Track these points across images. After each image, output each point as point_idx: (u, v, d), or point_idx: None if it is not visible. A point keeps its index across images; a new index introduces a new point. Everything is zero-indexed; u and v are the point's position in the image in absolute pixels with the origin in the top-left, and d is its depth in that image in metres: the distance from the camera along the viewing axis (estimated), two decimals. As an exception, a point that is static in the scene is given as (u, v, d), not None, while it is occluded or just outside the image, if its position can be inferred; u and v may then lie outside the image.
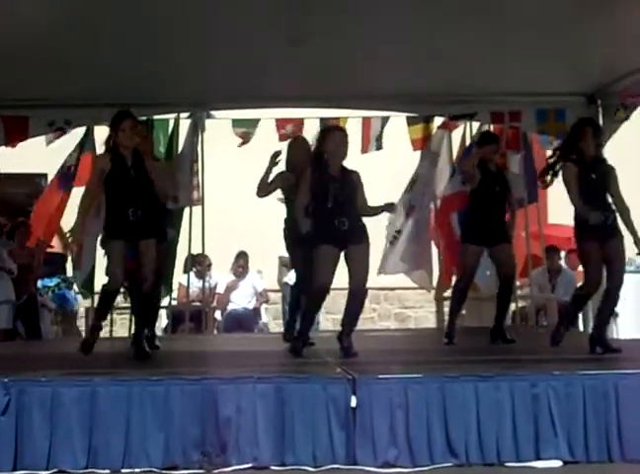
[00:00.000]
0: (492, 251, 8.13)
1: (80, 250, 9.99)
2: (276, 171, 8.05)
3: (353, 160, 11.43)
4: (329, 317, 11.97)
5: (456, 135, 11.03)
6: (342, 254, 6.91)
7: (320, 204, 6.85)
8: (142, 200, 6.90)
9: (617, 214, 6.98)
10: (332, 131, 7.15)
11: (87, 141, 10.26)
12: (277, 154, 8.00)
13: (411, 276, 10.94)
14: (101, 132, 10.18)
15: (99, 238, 8.09)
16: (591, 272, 6.97)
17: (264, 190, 8.01)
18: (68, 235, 8.47)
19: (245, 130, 10.63)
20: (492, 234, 7.97)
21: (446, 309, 11.47)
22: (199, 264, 11.55)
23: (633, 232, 6.94)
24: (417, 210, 10.57)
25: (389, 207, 7.15)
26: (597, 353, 6.93)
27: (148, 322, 7.31)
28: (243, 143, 10.67)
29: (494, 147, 8.22)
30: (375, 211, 7.07)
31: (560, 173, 7.02)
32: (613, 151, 10.21)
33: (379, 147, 10.74)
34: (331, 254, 6.84)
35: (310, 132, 10.04)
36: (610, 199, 7.02)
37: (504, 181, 8.16)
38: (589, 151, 6.95)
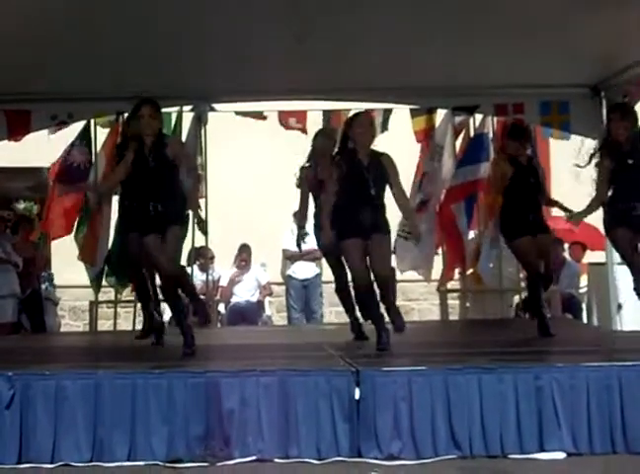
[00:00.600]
0: (536, 241, 7.90)
1: (94, 246, 9.95)
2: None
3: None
4: (332, 310, 11.96)
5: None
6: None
7: (349, 196, 6.83)
8: (162, 191, 6.69)
9: None
10: (357, 117, 7.11)
11: (85, 135, 10.23)
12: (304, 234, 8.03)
13: (417, 271, 10.95)
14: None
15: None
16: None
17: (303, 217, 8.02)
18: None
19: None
20: (534, 224, 7.82)
21: (450, 301, 11.52)
22: (202, 257, 11.55)
23: None
24: (428, 207, 10.55)
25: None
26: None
27: (180, 308, 7.06)
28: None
29: (521, 143, 8.06)
30: (406, 209, 7.13)
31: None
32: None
33: (384, 129, 10.69)
34: (359, 245, 6.83)
35: (313, 124, 10.10)
36: None
37: (536, 172, 8.01)
38: (617, 136, 6.94)
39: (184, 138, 10.57)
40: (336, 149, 7.25)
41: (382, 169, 6.86)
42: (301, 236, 7.94)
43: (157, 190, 6.70)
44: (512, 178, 7.86)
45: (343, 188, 6.86)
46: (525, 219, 7.75)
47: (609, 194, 7.09)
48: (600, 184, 7.21)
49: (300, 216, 8.00)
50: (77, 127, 10.19)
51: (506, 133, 8.43)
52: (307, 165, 7.98)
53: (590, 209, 7.30)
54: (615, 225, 6.99)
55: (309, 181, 7.89)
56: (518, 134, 8.12)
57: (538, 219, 7.86)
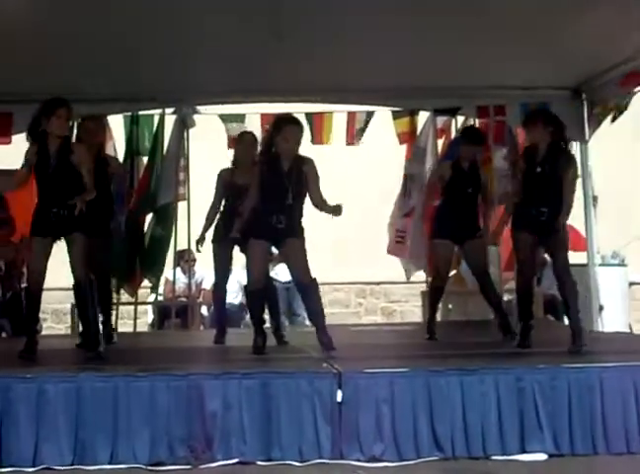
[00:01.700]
0: (462, 248, 8.16)
1: None
2: None
3: (338, 153, 11.55)
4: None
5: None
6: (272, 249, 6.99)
7: (266, 201, 6.73)
8: (66, 197, 6.49)
9: None
10: (286, 123, 6.83)
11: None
12: None
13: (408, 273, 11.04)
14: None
15: None
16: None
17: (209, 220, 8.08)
18: None
19: (235, 125, 10.59)
20: (462, 231, 7.97)
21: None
22: (184, 260, 11.53)
23: None
24: (415, 210, 10.59)
25: (336, 211, 6.62)
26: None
27: (85, 316, 6.89)
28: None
29: (477, 148, 8.20)
30: (325, 210, 6.69)
31: None
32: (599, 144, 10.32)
33: (362, 132, 10.73)
34: (263, 247, 6.81)
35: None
36: None
37: (477, 180, 8.10)
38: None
39: (166, 141, 10.57)
40: (258, 152, 7.19)
41: (302, 175, 6.69)
42: (201, 239, 8.03)
43: (60, 194, 6.53)
44: (449, 182, 8.03)
45: (262, 193, 6.75)
46: (453, 223, 7.93)
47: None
48: (513, 184, 7.54)
49: (207, 219, 8.06)
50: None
51: (463, 137, 8.49)
52: (225, 168, 8.09)
53: (508, 210, 7.39)
54: (520, 227, 7.04)
55: (225, 184, 7.98)
56: (475, 139, 8.24)
57: (469, 225, 7.98)
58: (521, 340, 7.05)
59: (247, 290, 7.05)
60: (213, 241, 8.10)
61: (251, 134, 8.41)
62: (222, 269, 8.23)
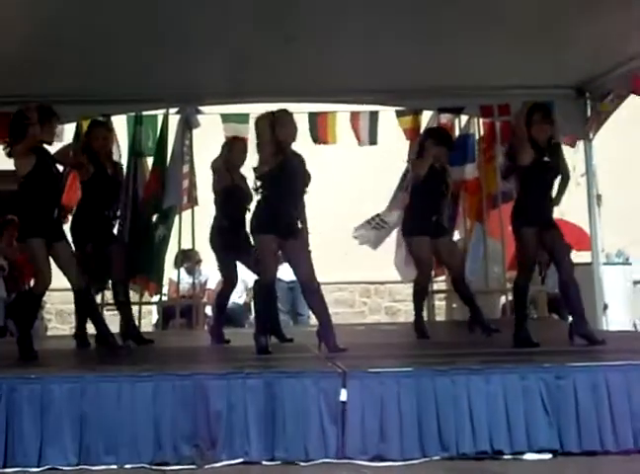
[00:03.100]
0: (437, 244, 8.31)
1: None
2: None
3: (343, 152, 11.55)
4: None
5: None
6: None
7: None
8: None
9: None
10: (284, 115, 6.96)
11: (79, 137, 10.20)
12: None
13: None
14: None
15: None
16: None
17: None
18: None
19: (236, 126, 10.60)
20: (435, 229, 8.20)
21: (436, 302, 11.55)
22: (188, 259, 11.54)
23: None
24: None
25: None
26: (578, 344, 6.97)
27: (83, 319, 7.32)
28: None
29: (445, 149, 8.31)
30: None
31: None
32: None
33: (373, 142, 10.72)
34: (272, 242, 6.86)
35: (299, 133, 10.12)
36: None
37: (446, 180, 8.38)
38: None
39: (170, 142, 10.58)
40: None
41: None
42: None
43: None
44: (423, 180, 8.21)
45: (277, 189, 6.85)
46: (428, 221, 8.12)
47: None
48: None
49: None
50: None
51: (434, 138, 8.54)
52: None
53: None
54: (528, 223, 7.08)
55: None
56: (444, 140, 8.48)
57: (440, 222, 8.26)
58: (520, 335, 7.04)
59: (260, 284, 7.05)
60: (216, 248, 8.14)
61: (242, 141, 8.46)
62: (230, 276, 8.25)
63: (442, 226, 8.34)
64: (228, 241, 7.97)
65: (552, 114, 7.46)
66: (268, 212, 6.83)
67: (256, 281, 7.18)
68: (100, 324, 7.74)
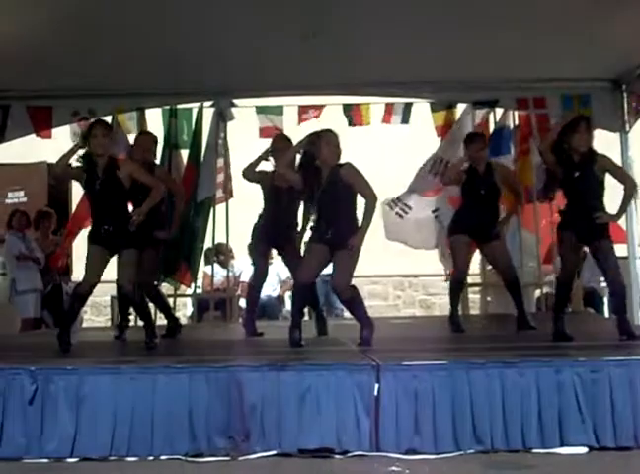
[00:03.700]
0: (483, 248, 8.30)
1: None
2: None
3: (377, 144, 11.51)
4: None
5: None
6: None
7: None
8: (112, 214, 6.83)
9: None
10: (326, 135, 6.87)
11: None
12: (267, 152, 8.04)
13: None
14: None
15: None
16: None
17: (249, 175, 8.07)
18: None
19: (271, 117, 10.63)
20: (478, 231, 8.07)
21: (471, 296, 11.53)
22: (222, 253, 11.59)
23: None
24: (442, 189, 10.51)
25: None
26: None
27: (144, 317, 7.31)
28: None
29: (479, 145, 8.19)
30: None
31: None
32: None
33: (405, 121, 10.70)
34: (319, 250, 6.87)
35: (331, 118, 10.11)
36: None
37: (491, 181, 8.13)
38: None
39: (205, 135, 10.62)
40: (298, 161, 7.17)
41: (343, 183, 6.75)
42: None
43: (106, 211, 6.85)
44: (464, 184, 8.17)
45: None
46: (470, 222, 8.06)
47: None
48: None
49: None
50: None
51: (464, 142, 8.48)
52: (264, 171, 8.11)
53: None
54: (567, 227, 6.99)
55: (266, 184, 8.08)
56: (474, 138, 8.41)
57: (485, 226, 8.08)
58: (558, 330, 6.99)
59: (298, 283, 7.11)
60: (252, 245, 8.17)
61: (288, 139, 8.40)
62: (261, 271, 8.32)
63: (490, 230, 8.11)
64: (269, 234, 8.01)
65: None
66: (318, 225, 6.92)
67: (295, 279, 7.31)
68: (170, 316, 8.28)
